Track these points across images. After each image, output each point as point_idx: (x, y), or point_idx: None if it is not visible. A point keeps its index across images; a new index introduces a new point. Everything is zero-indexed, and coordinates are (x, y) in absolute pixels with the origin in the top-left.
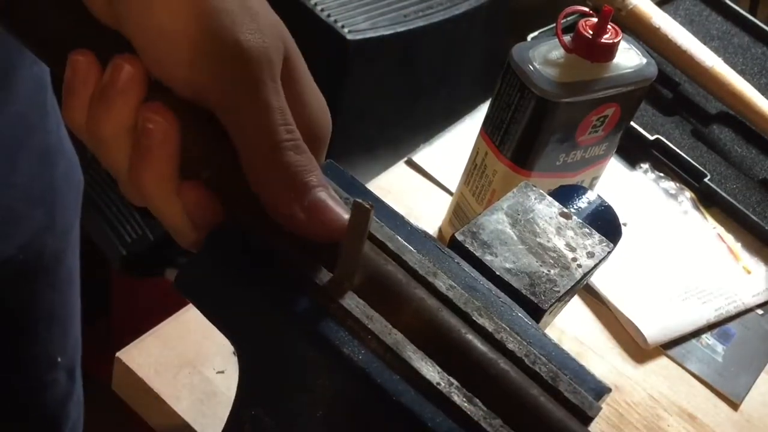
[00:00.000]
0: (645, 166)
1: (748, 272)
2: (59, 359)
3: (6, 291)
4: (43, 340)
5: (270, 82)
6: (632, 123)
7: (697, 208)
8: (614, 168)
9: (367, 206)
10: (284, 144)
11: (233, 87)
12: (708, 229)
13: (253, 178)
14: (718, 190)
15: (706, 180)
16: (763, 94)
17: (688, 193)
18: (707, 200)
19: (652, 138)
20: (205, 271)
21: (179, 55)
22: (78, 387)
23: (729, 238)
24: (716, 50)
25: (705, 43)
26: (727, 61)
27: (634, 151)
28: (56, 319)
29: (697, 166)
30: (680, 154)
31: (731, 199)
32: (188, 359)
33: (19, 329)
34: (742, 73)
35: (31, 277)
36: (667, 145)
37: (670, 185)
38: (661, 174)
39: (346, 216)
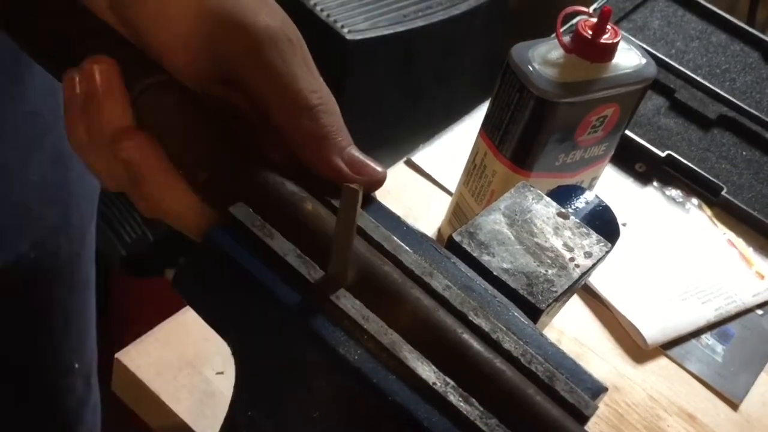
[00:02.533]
0: (657, 184)
1: (762, 277)
2: (76, 365)
3: (22, 292)
4: (59, 344)
5: (294, 55)
6: (642, 141)
7: (701, 209)
8: (614, 169)
9: (355, 188)
10: (317, 108)
11: (259, 59)
12: (715, 232)
13: (292, 142)
14: (737, 202)
15: (723, 193)
16: (749, 92)
17: (694, 199)
18: (725, 212)
19: (663, 155)
20: (203, 272)
21: (197, 39)
22: (95, 393)
23: (740, 242)
24: (697, 50)
25: (686, 44)
26: (709, 60)
27: (647, 172)
28: (73, 323)
29: (712, 179)
30: (694, 169)
31: (750, 210)
32: (188, 360)
33: (35, 333)
34: (726, 71)
35: (47, 279)
36: (680, 161)
37: (677, 193)
38: (673, 188)
39: (382, 170)
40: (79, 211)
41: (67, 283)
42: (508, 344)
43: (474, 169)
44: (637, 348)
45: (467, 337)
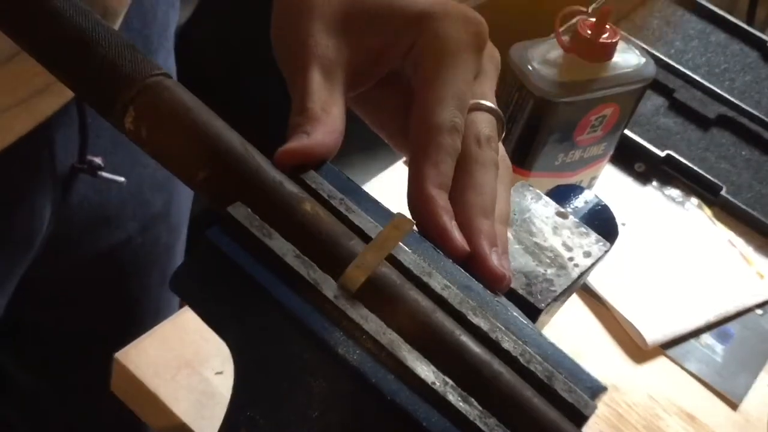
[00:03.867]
0: (656, 184)
1: (762, 277)
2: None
3: (124, 276)
4: None
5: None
6: (642, 140)
7: (701, 209)
8: (614, 168)
9: (409, 221)
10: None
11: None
12: (714, 232)
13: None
14: (737, 202)
15: (723, 193)
16: (748, 92)
17: (693, 199)
18: (725, 212)
19: (662, 154)
20: (201, 272)
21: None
22: None
23: (739, 242)
24: (696, 50)
25: (685, 44)
26: (708, 60)
27: (646, 171)
28: (161, 317)
29: (712, 179)
30: (693, 169)
31: (750, 210)
32: (187, 360)
33: (127, 324)
34: (726, 71)
35: (146, 266)
36: (680, 160)
37: (676, 192)
38: (672, 188)
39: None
40: (178, 203)
41: (162, 276)
42: (507, 344)
43: None
44: (636, 348)
45: (465, 339)
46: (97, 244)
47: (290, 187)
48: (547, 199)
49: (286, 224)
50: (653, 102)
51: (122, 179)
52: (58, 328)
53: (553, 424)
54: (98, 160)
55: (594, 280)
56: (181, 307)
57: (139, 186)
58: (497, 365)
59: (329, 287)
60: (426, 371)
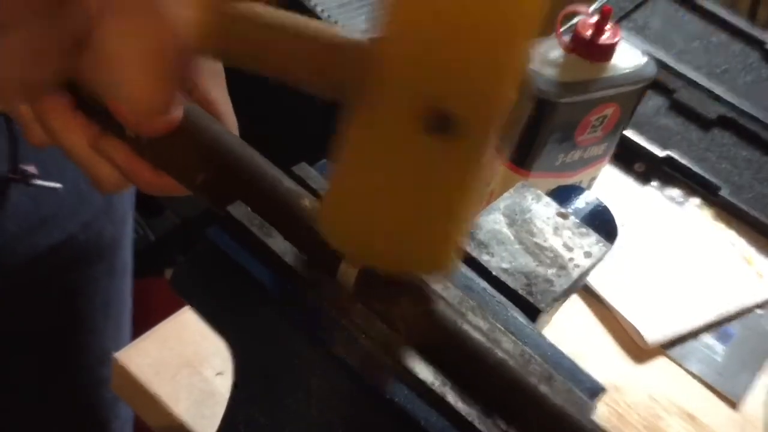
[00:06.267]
0: (656, 183)
1: (761, 277)
2: (114, 354)
3: (70, 272)
4: (98, 331)
5: None
6: (642, 141)
7: (701, 209)
8: (614, 168)
9: None
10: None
11: None
12: (715, 232)
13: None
14: (737, 202)
15: (723, 193)
16: (749, 91)
17: (693, 199)
18: (725, 212)
19: (662, 154)
20: (201, 272)
21: None
22: None
23: (740, 242)
24: (697, 50)
25: (686, 44)
26: (709, 60)
27: (645, 171)
28: (111, 310)
29: (712, 179)
30: (693, 169)
31: (750, 210)
32: (187, 360)
33: (77, 318)
34: (726, 71)
35: (90, 262)
36: (680, 161)
37: (676, 192)
38: (672, 188)
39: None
40: (120, 195)
41: (109, 267)
42: (506, 344)
43: None
44: (637, 348)
45: (467, 328)
46: (36, 246)
47: (288, 184)
48: (548, 199)
49: (286, 220)
50: (654, 102)
51: (58, 185)
52: (4, 332)
53: (561, 409)
54: (32, 168)
55: (594, 280)
56: (135, 296)
57: (76, 185)
58: (500, 353)
59: (328, 286)
60: (425, 371)
